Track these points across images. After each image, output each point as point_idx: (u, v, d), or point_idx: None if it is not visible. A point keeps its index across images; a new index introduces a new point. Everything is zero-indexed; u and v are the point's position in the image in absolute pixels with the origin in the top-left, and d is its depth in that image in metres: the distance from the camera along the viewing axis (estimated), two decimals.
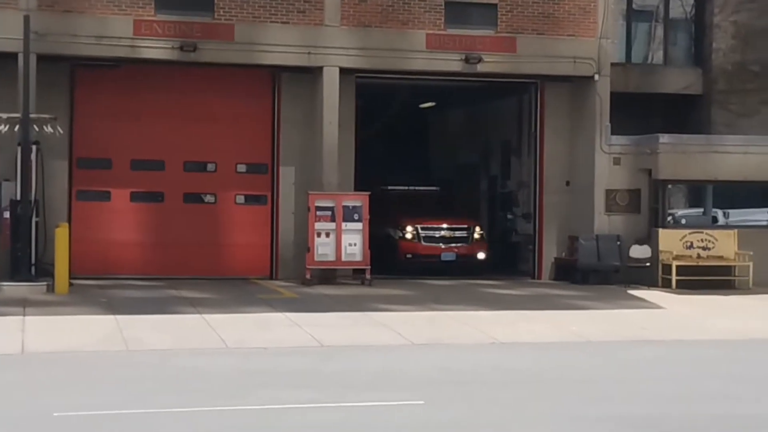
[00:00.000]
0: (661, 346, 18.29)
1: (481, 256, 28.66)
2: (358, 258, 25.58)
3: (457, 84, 29.39)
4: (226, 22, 25.44)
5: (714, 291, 25.44)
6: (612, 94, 27.44)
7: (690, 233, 26.90)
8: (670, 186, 27.48)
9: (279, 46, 25.67)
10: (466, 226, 28.91)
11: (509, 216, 31.00)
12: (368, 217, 25.57)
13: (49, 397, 13.13)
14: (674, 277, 25.93)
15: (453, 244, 28.56)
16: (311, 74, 26.44)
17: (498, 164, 32.28)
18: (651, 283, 26.26)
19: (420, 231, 28.52)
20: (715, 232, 27.01)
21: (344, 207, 25.59)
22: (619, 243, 26.88)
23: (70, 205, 25.83)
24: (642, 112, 30.08)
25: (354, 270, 26.07)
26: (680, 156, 27.08)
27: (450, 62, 26.62)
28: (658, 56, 31.84)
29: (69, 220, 24.93)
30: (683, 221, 28.04)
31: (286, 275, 26.53)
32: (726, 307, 23.49)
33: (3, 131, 23.38)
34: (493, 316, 21.05)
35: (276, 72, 26.79)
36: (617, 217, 27.41)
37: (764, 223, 28.12)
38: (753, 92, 30.88)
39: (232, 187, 27.18)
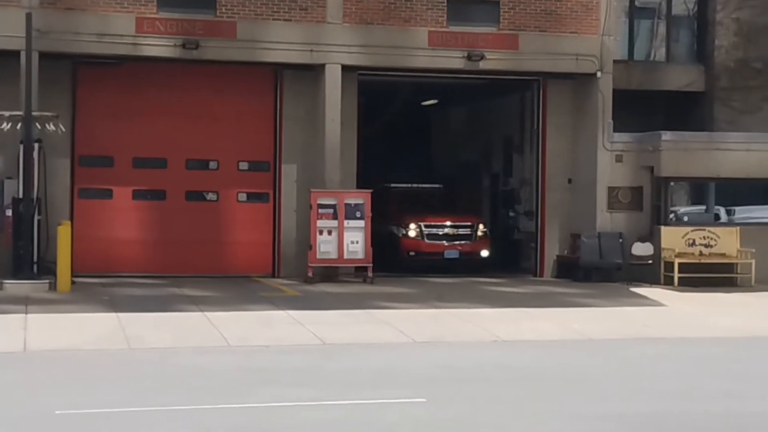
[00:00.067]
0: (664, 343, 18.27)
1: (484, 253, 28.64)
2: (360, 256, 25.57)
3: (459, 81, 29.40)
4: (229, 20, 25.43)
5: (716, 288, 25.43)
6: (614, 91, 27.42)
7: (692, 230, 26.89)
8: (672, 183, 27.46)
9: (281, 43, 25.68)
10: (469, 223, 28.88)
11: (511, 213, 30.99)
12: (370, 214, 25.57)
13: (51, 395, 13.13)
14: (676, 275, 25.92)
15: (456, 242, 28.53)
16: (313, 72, 26.43)
17: (500, 161, 32.28)
18: (653, 281, 26.24)
19: (423, 228, 28.49)
20: (718, 230, 27.00)
21: (346, 205, 25.58)
22: (621, 240, 26.87)
23: (73, 203, 25.84)
24: (644, 109, 30.07)
25: (356, 268, 26.06)
26: (683, 153, 27.05)
27: (452, 59, 26.61)
28: (660, 53, 31.80)
29: (71, 218, 24.94)
30: (685, 218, 28.03)
31: (288, 273, 26.53)
32: (728, 304, 23.47)
33: (5, 129, 23.39)
34: (496, 313, 21.05)
35: (278, 69, 26.79)
36: (619, 215, 27.39)
37: (767, 220, 28.09)
38: (755, 89, 30.85)
39: (234, 185, 27.19)
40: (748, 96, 30.84)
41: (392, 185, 30.32)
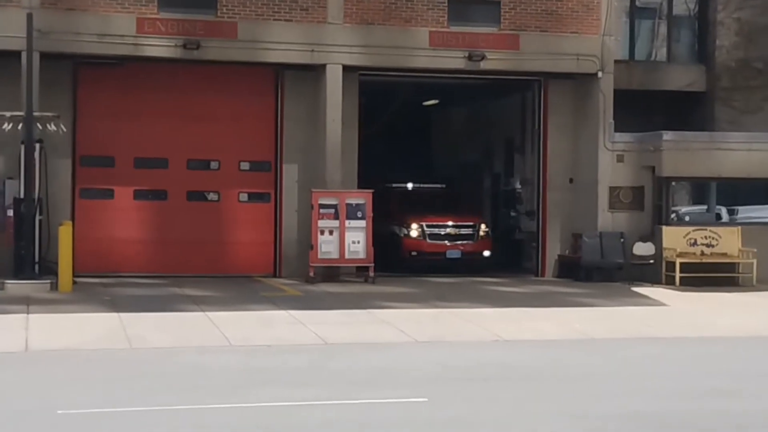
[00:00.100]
0: (665, 343, 18.27)
1: (486, 253, 28.65)
2: (362, 256, 25.58)
3: (460, 81, 29.40)
4: (229, 20, 25.44)
5: (718, 288, 25.43)
6: (615, 91, 27.42)
7: (694, 230, 26.89)
8: (673, 183, 27.46)
9: (282, 43, 25.69)
10: (472, 223, 28.88)
11: (512, 213, 31.00)
12: (371, 214, 25.58)
13: (53, 395, 13.13)
14: (678, 274, 25.92)
15: (459, 242, 28.53)
16: (314, 72, 26.44)
17: (501, 162, 32.28)
18: (655, 281, 26.24)
19: (425, 228, 28.49)
20: (719, 229, 26.99)
21: (347, 205, 25.58)
22: (622, 240, 26.87)
23: (74, 203, 25.86)
24: (645, 109, 30.06)
25: (357, 268, 26.07)
26: (684, 153, 27.05)
27: (453, 60, 26.61)
28: (661, 53, 31.82)
29: (72, 218, 24.95)
30: (687, 218, 28.02)
31: (289, 273, 26.54)
32: (730, 304, 23.47)
33: (6, 129, 23.41)
34: (497, 313, 21.05)
35: (279, 70, 26.79)
36: (621, 215, 27.39)
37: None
38: (756, 89, 30.86)
39: (235, 185, 27.20)
40: (749, 96, 30.85)
41: (394, 185, 30.32)
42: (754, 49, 30.99)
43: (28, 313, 19.55)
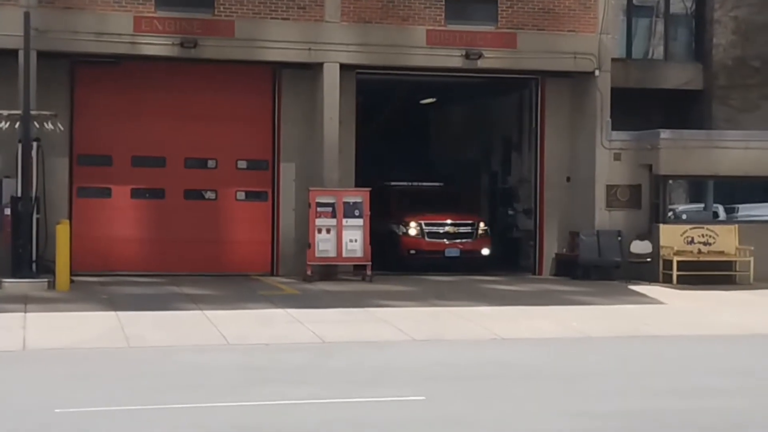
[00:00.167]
0: (662, 341, 18.29)
1: (485, 251, 28.61)
2: (359, 254, 25.58)
3: (457, 80, 29.39)
4: (227, 19, 25.43)
5: (715, 286, 25.43)
6: (612, 89, 27.42)
7: (691, 228, 26.90)
8: (670, 181, 27.46)
9: (279, 42, 25.67)
10: (470, 221, 28.86)
11: (510, 212, 30.98)
12: (369, 213, 25.57)
13: (51, 394, 13.13)
14: (675, 273, 25.92)
15: (458, 240, 28.50)
16: (312, 70, 26.43)
17: (498, 160, 32.28)
18: (652, 279, 26.26)
19: (424, 227, 28.46)
20: (716, 228, 27.01)
21: (345, 203, 25.58)
22: (619, 238, 26.87)
23: (71, 202, 25.85)
24: (642, 107, 30.05)
25: (355, 266, 26.05)
26: (681, 151, 27.06)
27: (450, 58, 26.61)
28: (658, 52, 31.82)
29: (70, 217, 24.95)
30: (684, 216, 28.03)
31: (286, 272, 26.53)
32: (727, 302, 23.48)
33: (3, 128, 23.39)
34: (495, 311, 21.05)
35: (276, 68, 26.79)
36: (618, 213, 27.40)
37: (765, 218, 28.09)
38: (753, 87, 30.87)
39: (232, 184, 27.18)
40: (746, 94, 30.86)
41: (392, 184, 30.31)
42: (751, 47, 31.01)
43: (25, 311, 19.54)
